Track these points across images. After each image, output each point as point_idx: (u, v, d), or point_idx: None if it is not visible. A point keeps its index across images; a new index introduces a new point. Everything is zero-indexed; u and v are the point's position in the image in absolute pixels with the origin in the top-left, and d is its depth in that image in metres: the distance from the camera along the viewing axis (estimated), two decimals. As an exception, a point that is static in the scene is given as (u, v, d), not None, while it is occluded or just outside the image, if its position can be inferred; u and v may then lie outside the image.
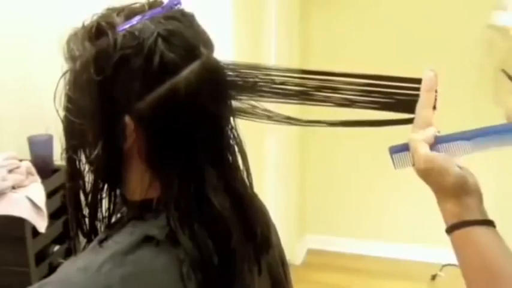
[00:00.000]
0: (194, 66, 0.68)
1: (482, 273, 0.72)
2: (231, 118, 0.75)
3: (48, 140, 2.02)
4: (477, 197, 0.74)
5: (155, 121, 0.68)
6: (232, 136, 0.75)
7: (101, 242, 0.71)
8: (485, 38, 2.75)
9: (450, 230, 0.74)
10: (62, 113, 0.73)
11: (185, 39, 0.69)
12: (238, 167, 0.77)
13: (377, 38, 2.90)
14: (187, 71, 0.68)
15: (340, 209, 3.19)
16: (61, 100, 0.72)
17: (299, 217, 3.20)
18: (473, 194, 0.74)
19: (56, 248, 2.03)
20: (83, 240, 0.78)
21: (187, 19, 0.71)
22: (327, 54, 2.95)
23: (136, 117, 0.68)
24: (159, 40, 0.67)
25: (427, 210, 3.04)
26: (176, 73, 0.67)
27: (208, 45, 0.72)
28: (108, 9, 0.72)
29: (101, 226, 0.76)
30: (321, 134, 3.07)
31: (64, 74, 0.71)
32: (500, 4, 2.60)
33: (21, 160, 1.94)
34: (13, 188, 1.85)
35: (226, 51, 2.13)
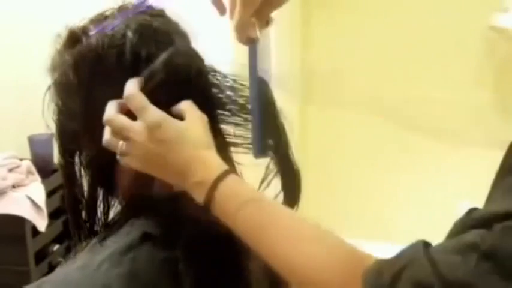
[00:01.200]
0: (166, 54, 0.69)
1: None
2: (215, 107, 0.74)
3: (49, 139, 2.02)
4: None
5: None
6: (217, 129, 0.74)
7: (99, 242, 0.71)
8: (486, 39, 2.75)
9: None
10: (53, 123, 0.76)
11: (156, 30, 0.71)
12: (231, 160, 0.77)
13: (378, 38, 2.89)
14: (160, 60, 0.68)
15: (340, 209, 3.19)
16: (51, 110, 0.75)
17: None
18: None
19: (56, 247, 2.04)
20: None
21: (157, 12, 0.73)
22: (327, 54, 2.95)
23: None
24: (129, 33, 0.69)
25: (427, 211, 3.04)
26: (150, 63, 0.68)
27: (181, 34, 0.73)
28: (82, 19, 0.74)
29: (99, 228, 0.76)
30: (321, 134, 3.07)
31: (50, 86, 0.75)
32: (501, 6, 2.60)
33: (21, 159, 1.94)
34: (13, 187, 1.86)
35: (226, 52, 2.13)
